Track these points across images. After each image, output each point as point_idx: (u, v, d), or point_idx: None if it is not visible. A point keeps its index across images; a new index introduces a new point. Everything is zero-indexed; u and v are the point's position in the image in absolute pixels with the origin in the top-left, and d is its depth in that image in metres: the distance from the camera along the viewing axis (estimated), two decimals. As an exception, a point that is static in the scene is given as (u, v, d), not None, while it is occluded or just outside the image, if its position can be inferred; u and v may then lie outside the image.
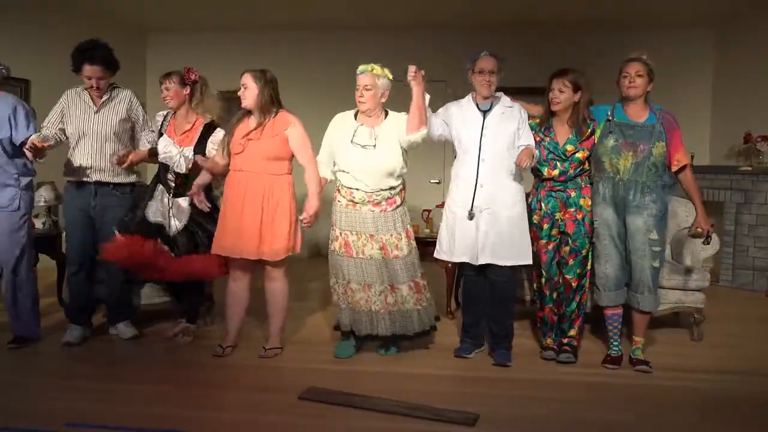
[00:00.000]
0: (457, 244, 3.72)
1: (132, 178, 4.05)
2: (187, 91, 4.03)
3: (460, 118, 3.78)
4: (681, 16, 6.96)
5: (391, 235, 3.69)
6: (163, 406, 3.06)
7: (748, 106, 6.65)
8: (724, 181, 6.36)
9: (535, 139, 3.71)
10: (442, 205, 4.12)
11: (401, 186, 3.78)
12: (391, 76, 3.73)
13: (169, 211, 3.91)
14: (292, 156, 3.70)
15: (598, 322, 4.52)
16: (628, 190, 3.61)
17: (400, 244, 3.71)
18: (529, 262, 3.73)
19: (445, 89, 7.61)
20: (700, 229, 3.66)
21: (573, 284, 3.75)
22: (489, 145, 3.66)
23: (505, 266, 3.68)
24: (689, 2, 6.48)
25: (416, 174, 7.97)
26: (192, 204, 3.87)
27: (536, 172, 3.80)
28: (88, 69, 3.87)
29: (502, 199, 3.66)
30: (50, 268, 4.88)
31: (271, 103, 3.70)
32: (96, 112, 3.96)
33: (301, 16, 7.26)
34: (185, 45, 8.02)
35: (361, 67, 3.69)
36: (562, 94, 3.67)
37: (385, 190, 3.68)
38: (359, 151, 3.64)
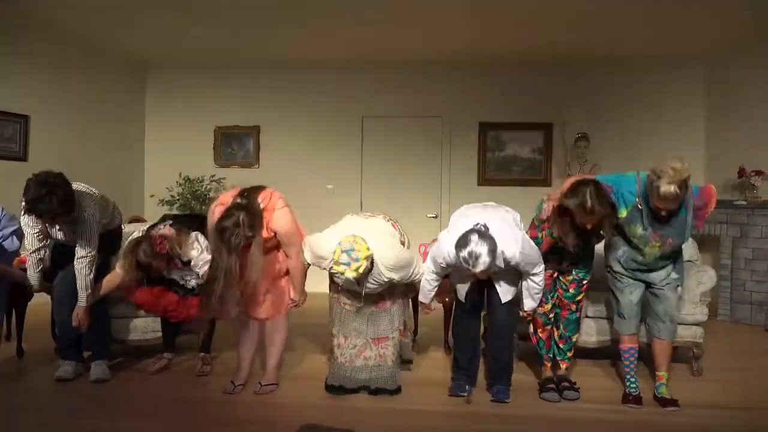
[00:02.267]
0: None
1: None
2: (164, 256, 3.79)
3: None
4: (675, 51, 7.07)
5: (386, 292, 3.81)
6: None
7: (741, 141, 6.72)
8: (720, 215, 6.38)
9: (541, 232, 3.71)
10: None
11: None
12: (368, 253, 3.42)
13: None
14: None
15: (591, 357, 4.50)
16: (649, 265, 3.63)
17: (395, 290, 3.83)
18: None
19: (442, 125, 7.72)
20: None
21: (571, 307, 3.84)
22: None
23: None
24: (683, 38, 6.60)
25: (413, 208, 8.00)
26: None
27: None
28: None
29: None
30: (45, 303, 4.84)
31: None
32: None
33: (300, 54, 7.36)
34: (184, 81, 8.13)
35: (342, 278, 3.46)
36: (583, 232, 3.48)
37: None
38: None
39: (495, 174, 7.71)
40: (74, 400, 3.66)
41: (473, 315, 3.80)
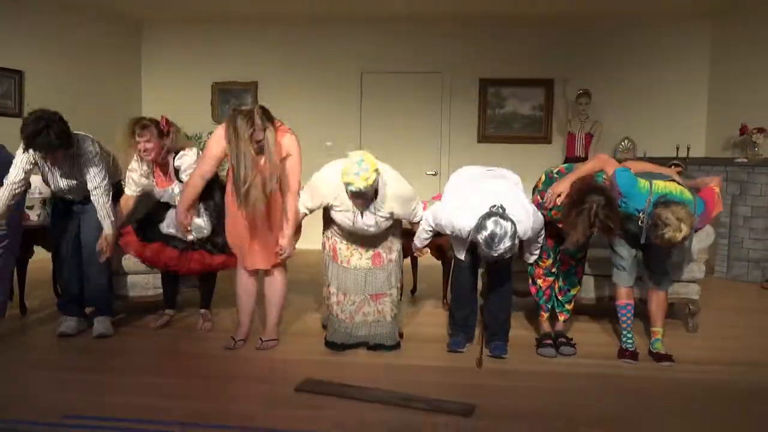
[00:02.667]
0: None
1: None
2: (165, 140, 3.91)
3: None
4: (678, 8, 6.95)
5: (387, 239, 3.80)
6: (159, 397, 3.06)
7: (743, 98, 6.66)
8: (720, 173, 6.36)
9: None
10: (438, 197, 4.11)
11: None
12: (376, 167, 3.44)
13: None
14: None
15: (588, 313, 4.55)
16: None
17: (393, 247, 3.83)
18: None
19: (442, 81, 7.62)
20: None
21: (571, 262, 3.89)
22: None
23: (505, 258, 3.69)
24: (686, -6, 6.48)
25: (412, 166, 7.97)
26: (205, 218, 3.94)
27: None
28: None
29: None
30: (46, 260, 4.86)
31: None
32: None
33: (296, 8, 7.21)
34: (180, 36, 7.99)
35: (353, 188, 3.42)
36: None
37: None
38: (362, 226, 3.65)
39: (495, 131, 7.66)
40: (76, 356, 3.71)
41: (471, 272, 3.82)
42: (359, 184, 3.35)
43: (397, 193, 3.61)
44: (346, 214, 3.61)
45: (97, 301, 4.08)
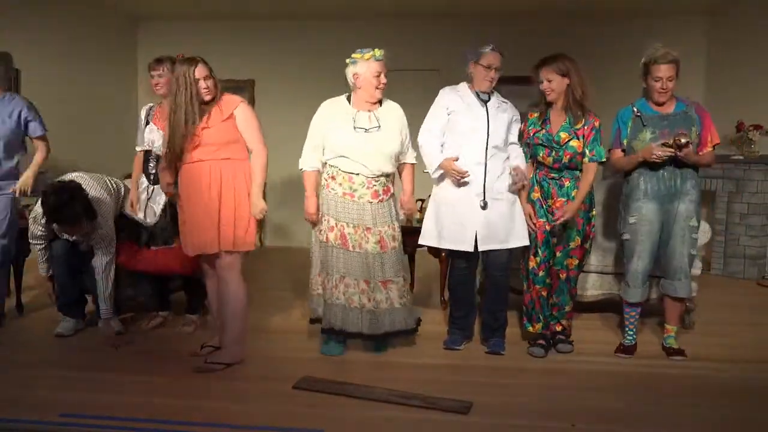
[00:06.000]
0: (447, 230, 3.72)
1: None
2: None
3: (463, 105, 3.74)
4: (674, 4, 6.95)
5: (389, 227, 3.66)
6: (156, 396, 3.06)
7: (740, 95, 6.66)
8: (716, 170, 6.36)
9: (531, 134, 3.72)
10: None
11: (394, 174, 3.78)
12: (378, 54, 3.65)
13: (148, 200, 3.99)
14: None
15: (591, 310, 4.56)
16: (672, 178, 3.60)
17: (396, 235, 3.70)
18: (527, 243, 3.73)
19: (439, 79, 7.60)
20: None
21: (561, 276, 3.73)
22: (493, 135, 3.67)
23: (502, 255, 3.70)
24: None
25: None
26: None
27: (533, 156, 3.77)
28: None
29: (498, 188, 3.68)
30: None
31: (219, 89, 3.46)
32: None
33: (294, 5, 7.20)
34: (177, 33, 7.96)
35: (378, 53, 3.60)
36: (551, 83, 3.66)
37: (385, 176, 3.66)
38: (363, 135, 3.59)
39: (492, 129, 7.64)
40: (74, 355, 3.71)
41: (469, 270, 3.83)
42: (376, 53, 3.58)
43: (399, 112, 3.71)
44: (345, 126, 3.58)
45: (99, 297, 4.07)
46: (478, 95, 3.75)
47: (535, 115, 3.77)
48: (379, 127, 3.61)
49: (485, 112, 3.70)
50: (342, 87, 3.80)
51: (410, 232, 4.27)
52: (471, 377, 3.40)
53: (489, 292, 3.84)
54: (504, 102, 3.80)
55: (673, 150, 3.46)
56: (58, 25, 6.78)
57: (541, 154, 3.70)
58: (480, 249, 3.68)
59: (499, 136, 3.69)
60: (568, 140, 3.63)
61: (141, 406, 2.93)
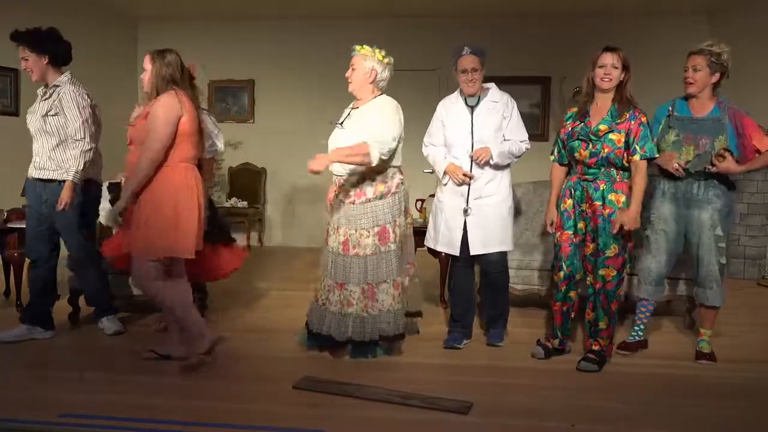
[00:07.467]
0: (441, 235, 3.80)
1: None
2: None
3: (449, 116, 3.80)
4: (675, 4, 6.95)
5: (356, 230, 3.51)
6: (156, 396, 3.06)
7: (741, 95, 6.65)
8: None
9: (568, 128, 3.55)
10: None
11: (379, 180, 3.55)
12: (382, 57, 3.70)
13: None
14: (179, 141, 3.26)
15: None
16: (690, 184, 3.58)
17: (362, 242, 3.49)
18: (510, 248, 3.79)
19: (439, 79, 7.61)
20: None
21: (596, 287, 3.46)
22: (478, 144, 3.69)
23: (496, 256, 3.74)
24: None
25: (410, 163, 7.95)
26: None
27: (570, 152, 3.55)
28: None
29: (488, 191, 3.71)
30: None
31: (166, 85, 3.32)
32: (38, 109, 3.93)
33: (294, 5, 7.20)
34: (177, 34, 7.95)
35: (354, 48, 3.71)
36: (615, 70, 3.56)
37: (352, 176, 3.55)
38: (336, 130, 3.66)
39: (492, 129, 7.65)
40: (73, 355, 3.72)
41: (467, 270, 3.85)
42: (359, 46, 3.76)
43: (382, 107, 3.61)
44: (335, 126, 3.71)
45: (96, 302, 4.08)
46: (466, 102, 3.76)
47: (574, 109, 3.65)
48: (342, 123, 3.64)
49: (470, 119, 3.72)
50: (342, 87, 3.80)
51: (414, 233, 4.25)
52: (471, 377, 3.40)
53: (486, 291, 3.91)
54: (495, 102, 3.76)
55: (682, 172, 3.52)
56: (58, 25, 6.76)
57: (578, 150, 3.48)
58: (471, 253, 3.72)
59: (484, 143, 3.68)
60: (607, 132, 3.41)
61: (141, 406, 2.92)
